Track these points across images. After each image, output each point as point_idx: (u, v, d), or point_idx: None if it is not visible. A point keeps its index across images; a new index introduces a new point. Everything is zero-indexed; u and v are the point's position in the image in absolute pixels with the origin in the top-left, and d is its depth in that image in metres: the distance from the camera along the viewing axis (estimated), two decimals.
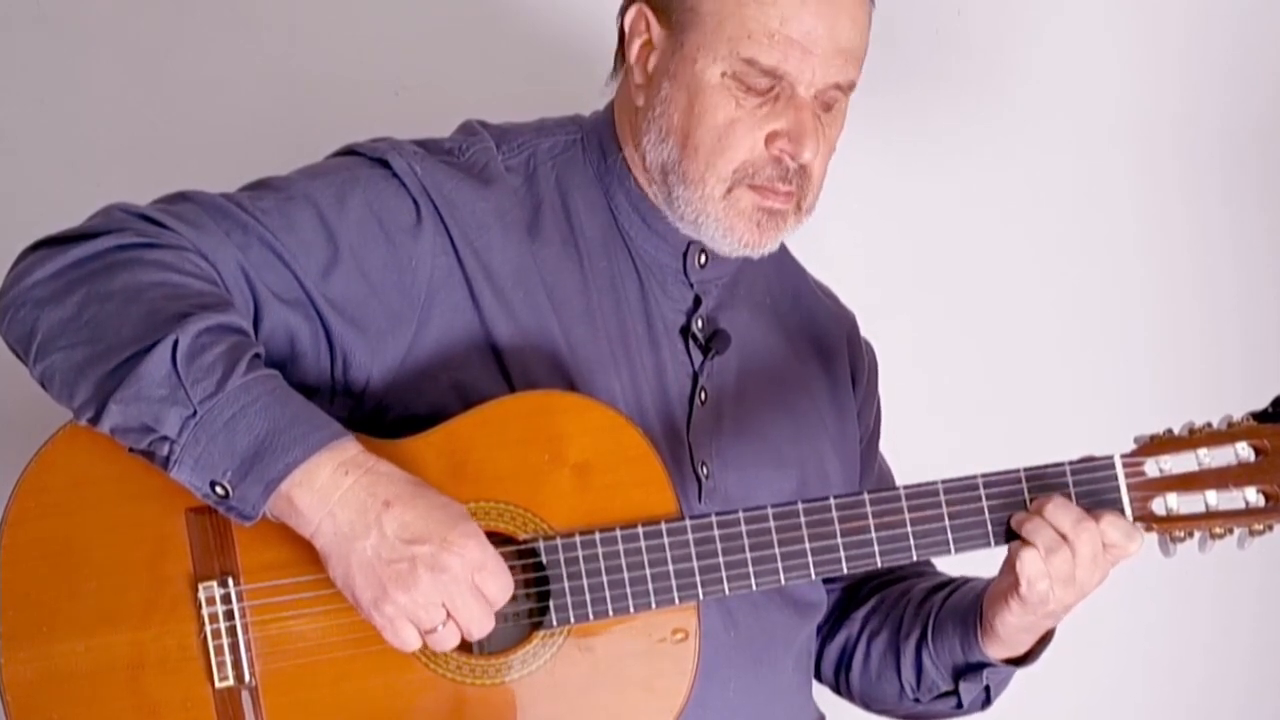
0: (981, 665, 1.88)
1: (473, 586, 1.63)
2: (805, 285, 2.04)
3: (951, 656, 1.91)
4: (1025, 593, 1.76)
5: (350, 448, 1.64)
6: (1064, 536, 1.73)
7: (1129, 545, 1.75)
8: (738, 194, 1.80)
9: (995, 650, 1.86)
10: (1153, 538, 1.79)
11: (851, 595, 2.04)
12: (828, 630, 2.04)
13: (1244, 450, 1.79)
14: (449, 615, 1.63)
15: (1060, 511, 1.74)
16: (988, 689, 1.93)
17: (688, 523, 1.72)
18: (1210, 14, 2.55)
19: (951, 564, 1.95)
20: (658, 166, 1.84)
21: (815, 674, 2.07)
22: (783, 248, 2.01)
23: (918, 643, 1.94)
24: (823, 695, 2.03)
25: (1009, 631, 1.83)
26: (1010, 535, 1.77)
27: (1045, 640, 1.88)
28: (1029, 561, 1.74)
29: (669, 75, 1.81)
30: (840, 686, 2.07)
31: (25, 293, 1.70)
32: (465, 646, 1.68)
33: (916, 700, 1.98)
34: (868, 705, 2.07)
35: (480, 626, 1.64)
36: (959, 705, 1.95)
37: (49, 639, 1.66)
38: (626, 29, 1.87)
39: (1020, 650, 1.87)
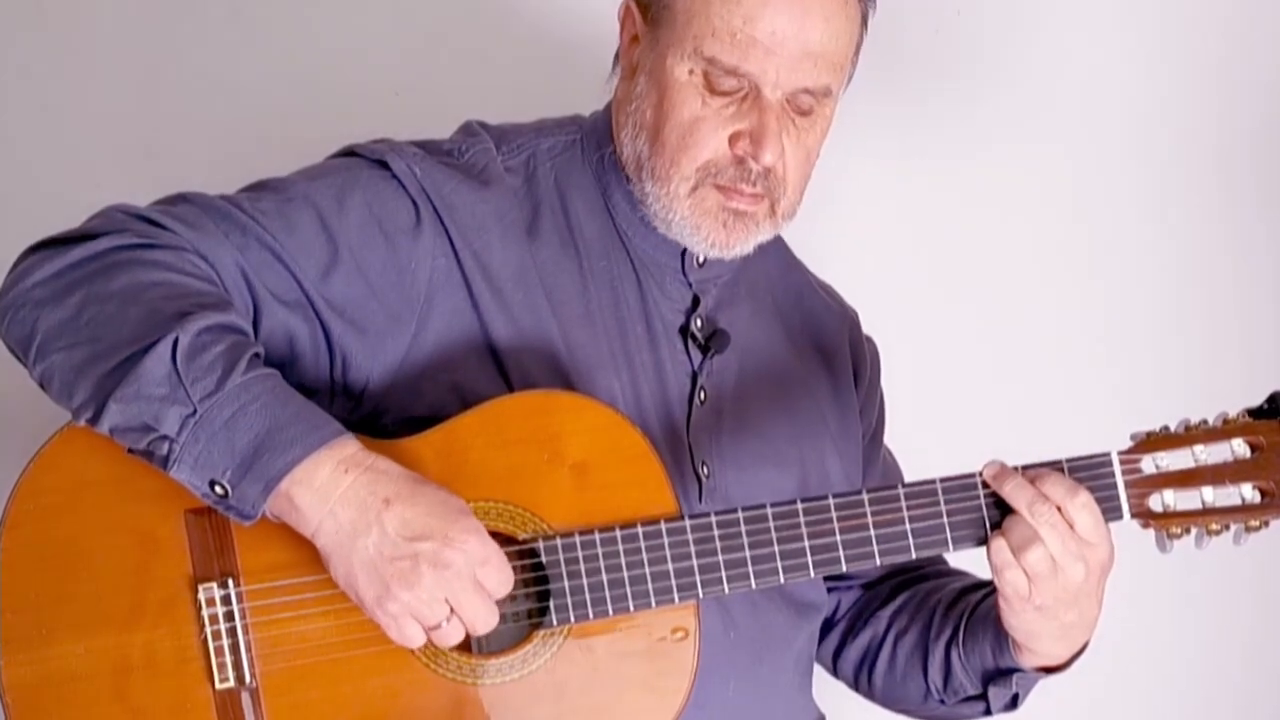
0: (1011, 671, 1.87)
1: (475, 581, 1.63)
2: (807, 283, 2.05)
3: (982, 661, 1.90)
4: (999, 585, 1.74)
5: (350, 446, 1.64)
6: (1034, 528, 1.71)
7: (1073, 499, 1.71)
8: (703, 193, 1.79)
9: (1027, 659, 1.85)
10: (1150, 534, 1.79)
11: (874, 593, 2.04)
12: (848, 628, 2.04)
13: (1240, 447, 1.79)
14: (452, 611, 1.63)
15: (1018, 492, 1.72)
16: (1015, 694, 1.92)
17: (687, 522, 1.72)
18: (1210, 13, 2.55)
19: (953, 557, 1.95)
20: (633, 161, 1.84)
21: (833, 672, 2.08)
22: (784, 246, 2.03)
23: (947, 644, 1.93)
24: (823, 696, 2.03)
25: (1021, 636, 1.81)
26: None
27: (1080, 651, 1.86)
28: (994, 551, 1.73)
29: (646, 70, 1.82)
30: (861, 685, 2.07)
31: (25, 294, 1.70)
32: (465, 646, 1.68)
33: (942, 702, 1.98)
34: (888, 704, 2.06)
35: (484, 621, 1.64)
36: (988, 710, 1.94)
37: (49, 641, 1.66)
38: (620, 23, 1.87)
39: (1053, 660, 1.85)
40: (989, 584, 1.88)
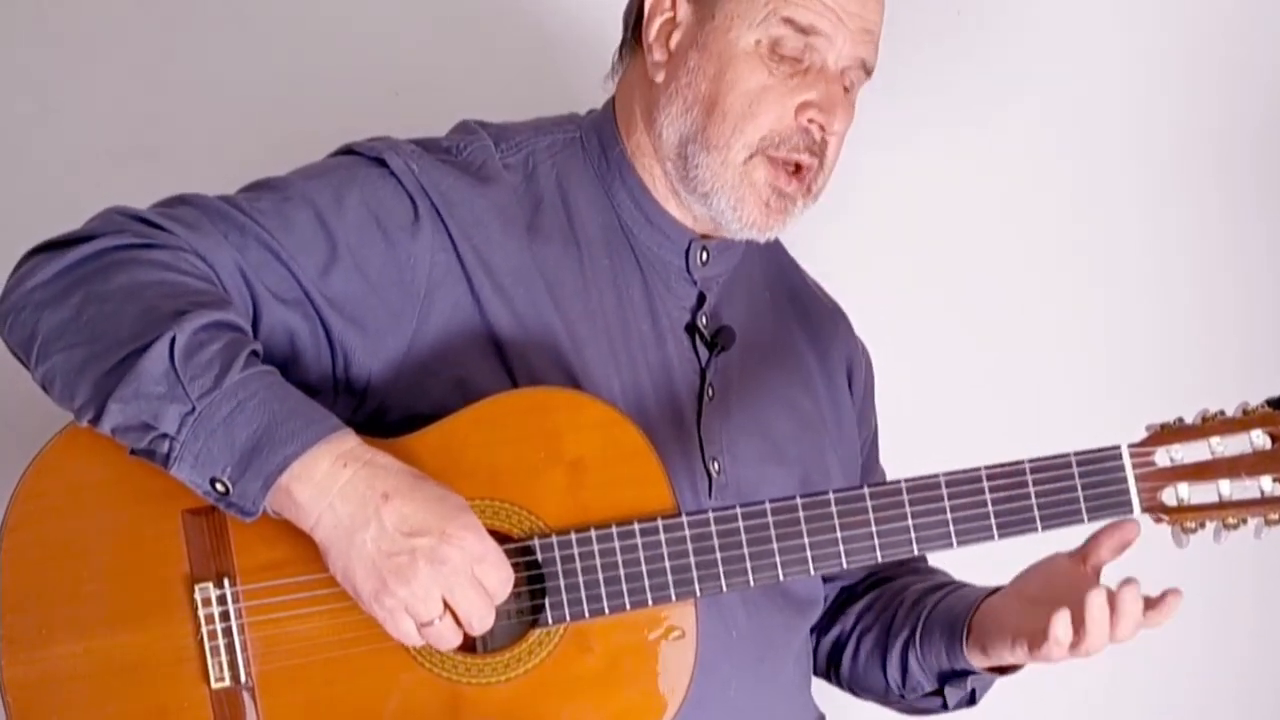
0: (966, 672, 1.89)
1: (472, 578, 1.62)
2: (801, 281, 2.05)
3: (938, 662, 1.91)
4: (1038, 657, 1.76)
5: (348, 440, 1.65)
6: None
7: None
8: (755, 163, 1.81)
9: (979, 661, 1.86)
10: (1165, 529, 1.77)
11: (849, 592, 2.05)
12: (823, 625, 2.04)
13: (1259, 438, 1.76)
14: (447, 608, 1.63)
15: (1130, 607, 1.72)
16: (973, 690, 1.93)
17: (684, 519, 1.71)
18: (1211, 12, 2.54)
19: (953, 556, 1.93)
20: (674, 141, 1.84)
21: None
22: (779, 244, 2.03)
23: (905, 644, 1.94)
24: (823, 695, 2.02)
25: (999, 656, 1.83)
26: (1013, 529, 1.74)
27: None
28: (1058, 648, 1.73)
29: (697, 46, 1.83)
30: (830, 678, 2.07)
31: (25, 296, 1.71)
32: (462, 645, 1.67)
33: (902, 697, 1.98)
34: (855, 693, 2.07)
35: (481, 619, 1.64)
36: (944, 706, 1.95)
37: (49, 641, 1.67)
38: (646, 10, 1.87)
39: (1005, 663, 1.86)
40: (952, 585, 1.93)
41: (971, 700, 1.95)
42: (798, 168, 1.82)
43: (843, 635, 2.02)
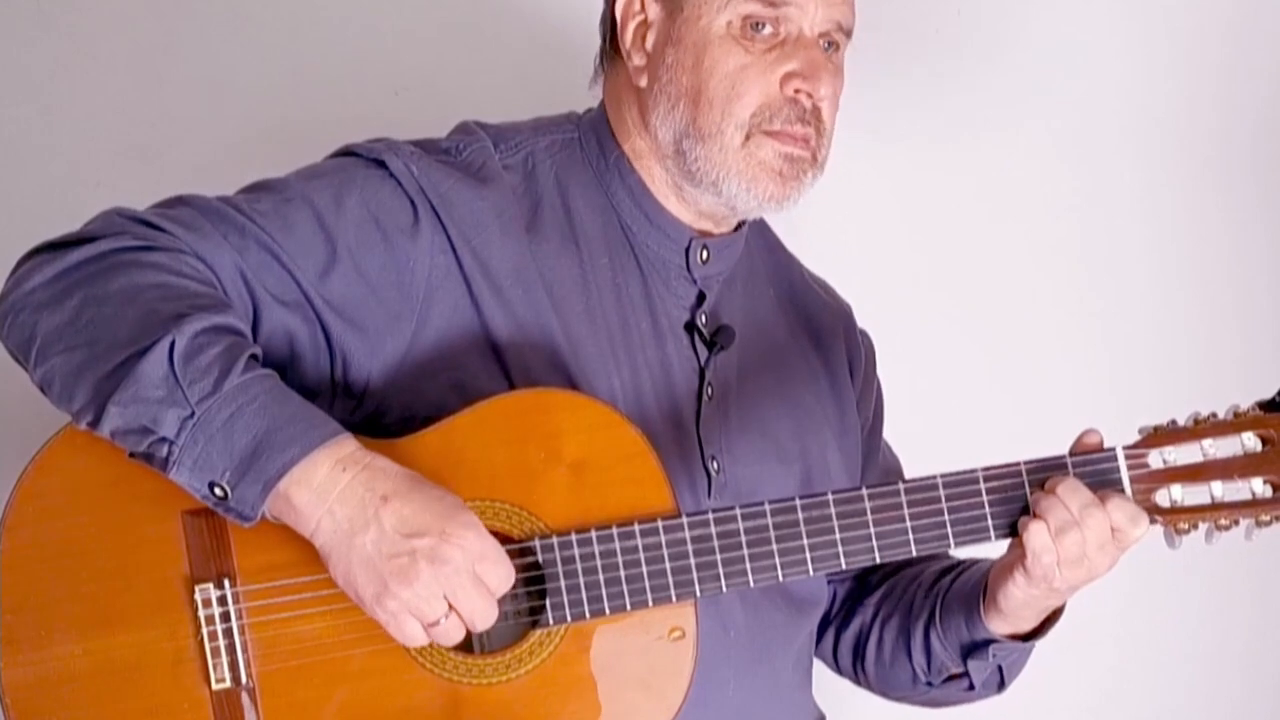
0: (987, 642, 1.87)
1: (474, 577, 1.63)
2: (800, 279, 2.05)
3: (958, 635, 1.90)
4: (1030, 565, 1.74)
5: (347, 444, 1.64)
6: (1075, 518, 1.72)
7: (1133, 530, 1.73)
8: (757, 141, 1.81)
9: (998, 626, 1.85)
10: (1157, 530, 1.77)
11: (863, 582, 2.04)
12: (841, 619, 2.04)
13: (1250, 440, 1.77)
14: (451, 607, 1.63)
15: (1072, 493, 1.73)
16: (1001, 670, 1.92)
17: (684, 520, 1.72)
18: (1210, 10, 2.55)
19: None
20: (670, 140, 1.84)
21: (834, 665, 2.08)
22: (778, 242, 2.04)
23: (926, 624, 1.93)
24: (823, 695, 2.02)
25: (1012, 605, 1.81)
26: (1013, 530, 1.75)
27: (1054, 618, 1.86)
28: (1036, 534, 1.72)
29: (672, 42, 1.83)
30: (858, 676, 2.07)
31: (24, 298, 1.71)
32: (463, 646, 1.68)
33: (929, 685, 1.97)
34: (886, 693, 2.06)
35: (483, 617, 1.64)
36: (970, 687, 1.94)
37: (48, 642, 1.67)
38: (618, 16, 1.88)
39: (1024, 627, 1.86)
40: (965, 562, 1.92)
41: (1001, 685, 1.94)
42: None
43: (864, 626, 2.01)
